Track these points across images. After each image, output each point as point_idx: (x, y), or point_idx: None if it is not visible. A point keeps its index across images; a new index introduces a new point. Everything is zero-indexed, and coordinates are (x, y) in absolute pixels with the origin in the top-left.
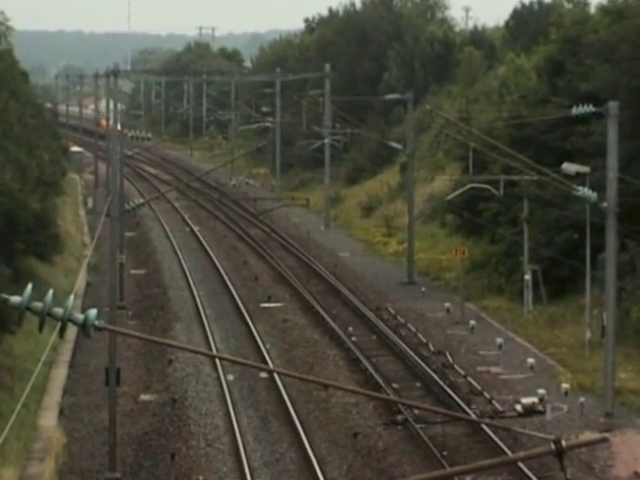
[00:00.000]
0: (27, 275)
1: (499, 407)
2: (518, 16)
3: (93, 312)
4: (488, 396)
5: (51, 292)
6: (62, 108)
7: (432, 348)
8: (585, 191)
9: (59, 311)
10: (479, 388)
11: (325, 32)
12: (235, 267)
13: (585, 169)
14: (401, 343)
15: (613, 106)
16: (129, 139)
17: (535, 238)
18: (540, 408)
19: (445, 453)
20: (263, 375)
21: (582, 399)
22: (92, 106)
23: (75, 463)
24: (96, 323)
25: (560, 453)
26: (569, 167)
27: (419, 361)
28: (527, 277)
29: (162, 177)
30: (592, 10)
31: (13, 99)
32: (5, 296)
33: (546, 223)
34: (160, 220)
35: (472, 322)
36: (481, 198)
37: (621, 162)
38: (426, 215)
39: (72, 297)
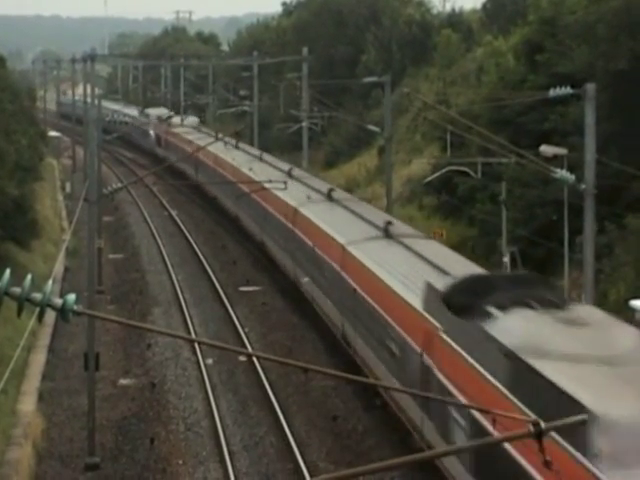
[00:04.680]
0: (5, 260)
1: None
2: None
3: (72, 297)
4: None
5: (29, 277)
6: (40, 93)
7: None
8: (563, 173)
9: (38, 296)
10: None
11: (302, 15)
12: (214, 251)
13: (563, 151)
14: None
15: (591, 88)
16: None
17: (513, 219)
18: None
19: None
20: (242, 359)
21: None
22: (69, 91)
23: (54, 448)
24: (75, 308)
25: (539, 435)
26: (547, 149)
27: None
28: (505, 259)
29: (140, 161)
30: None
31: None
32: None
33: (524, 204)
34: (138, 204)
35: None
36: (459, 180)
37: (599, 144)
38: (404, 198)
39: (50, 282)
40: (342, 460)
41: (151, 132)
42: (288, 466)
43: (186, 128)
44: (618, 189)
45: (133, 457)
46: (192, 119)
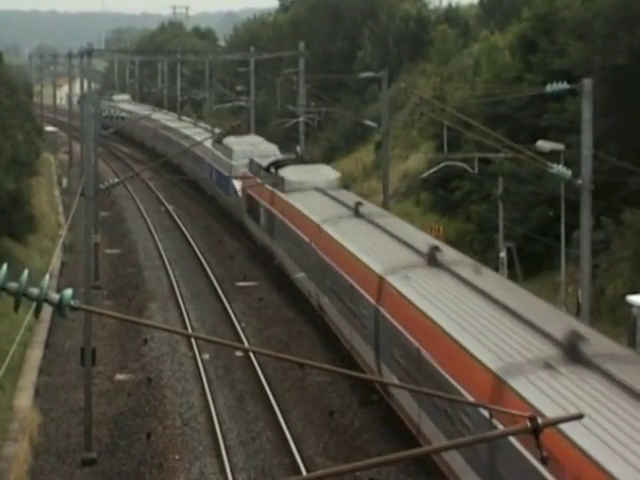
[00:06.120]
0: (2, 255)
1: None
2: None
3: (69, 292)
4: None
5: (26, 272)
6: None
7: None
8: (560, 168)
9: (34, 291)
10: None
11: (299, 10)
12: (210, 247)
13: (560, 146)
14: None
15: (587, 83)
16: None
17: (510, 215)
18: None
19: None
20: (239, 354)
21: None
22: (66, 86)
23: (51, 443)
24: (72, 303)
25: (536, 431)
26: (544, 144)
27: None
28: (502, 255)
29: (136, 157)
30: None
31: None
32: None
33: (521, 200)
34: (135, 199)
35: None
36: (455, 176)
37: (596, 139)
38: (401, 193)
39: (47, 277)
40: (339, 455)
41: (236, 185)
42: (285, 461)
43: (321, 196)
44: (615, 184)
45: (130, 452)
46: (326, 171)
